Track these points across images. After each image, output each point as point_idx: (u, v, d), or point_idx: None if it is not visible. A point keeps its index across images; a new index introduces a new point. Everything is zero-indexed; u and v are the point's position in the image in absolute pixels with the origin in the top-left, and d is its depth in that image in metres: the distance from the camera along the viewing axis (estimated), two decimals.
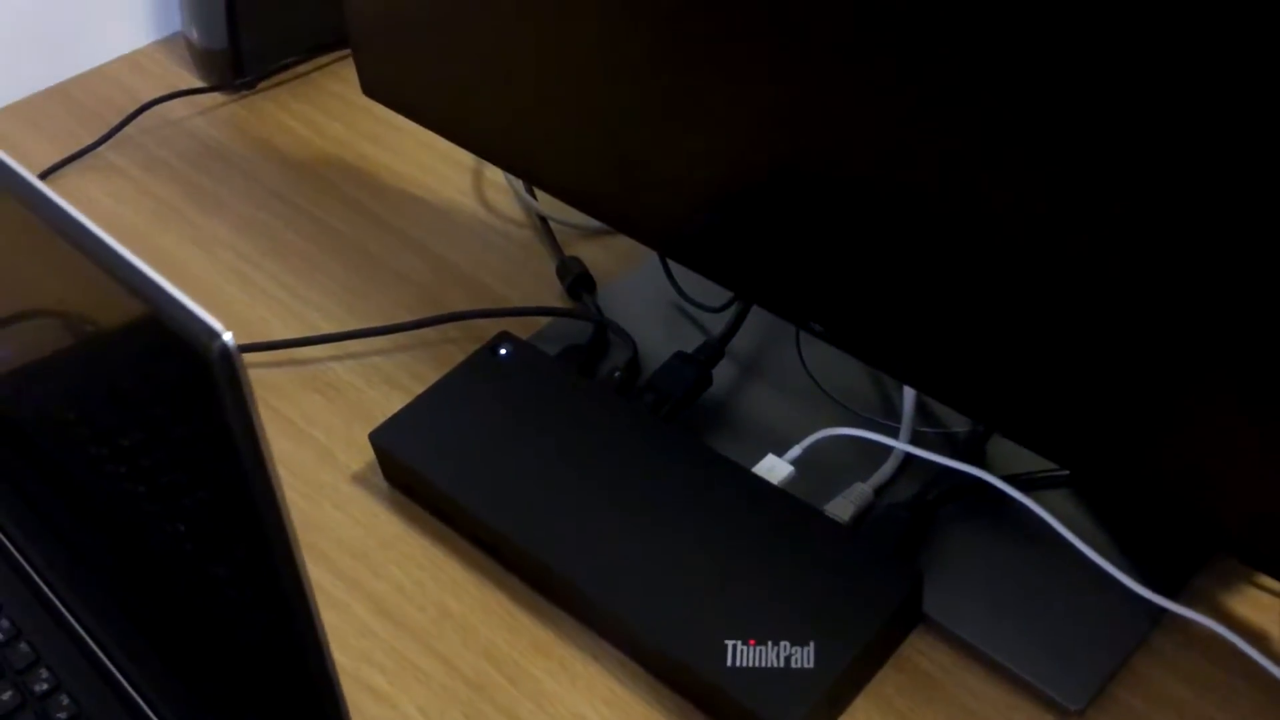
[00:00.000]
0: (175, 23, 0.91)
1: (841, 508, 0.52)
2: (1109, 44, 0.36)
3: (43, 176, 0.77)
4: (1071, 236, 0.40)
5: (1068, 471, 0.51)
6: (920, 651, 0.49)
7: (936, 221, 0.44)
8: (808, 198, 0.48)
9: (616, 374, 0.59)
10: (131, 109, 0.82)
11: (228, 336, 0.27)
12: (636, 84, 0.53)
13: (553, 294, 0.66)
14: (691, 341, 0.60)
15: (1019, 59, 0.39)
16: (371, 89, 0.69)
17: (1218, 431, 0.41)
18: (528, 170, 0.66)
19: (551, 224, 0.70)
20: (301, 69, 0.86)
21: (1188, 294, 0.39)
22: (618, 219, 0.61)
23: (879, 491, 0.53)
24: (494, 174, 0.76)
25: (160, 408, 0.33)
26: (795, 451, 0.54)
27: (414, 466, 0.55)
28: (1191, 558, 0.50)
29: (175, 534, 0.40)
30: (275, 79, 0.85)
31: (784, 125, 0.47)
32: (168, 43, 0.91)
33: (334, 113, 0.82)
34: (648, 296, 0.64)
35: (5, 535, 0.52)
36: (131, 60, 0.89)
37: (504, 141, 0.63)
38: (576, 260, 0.67)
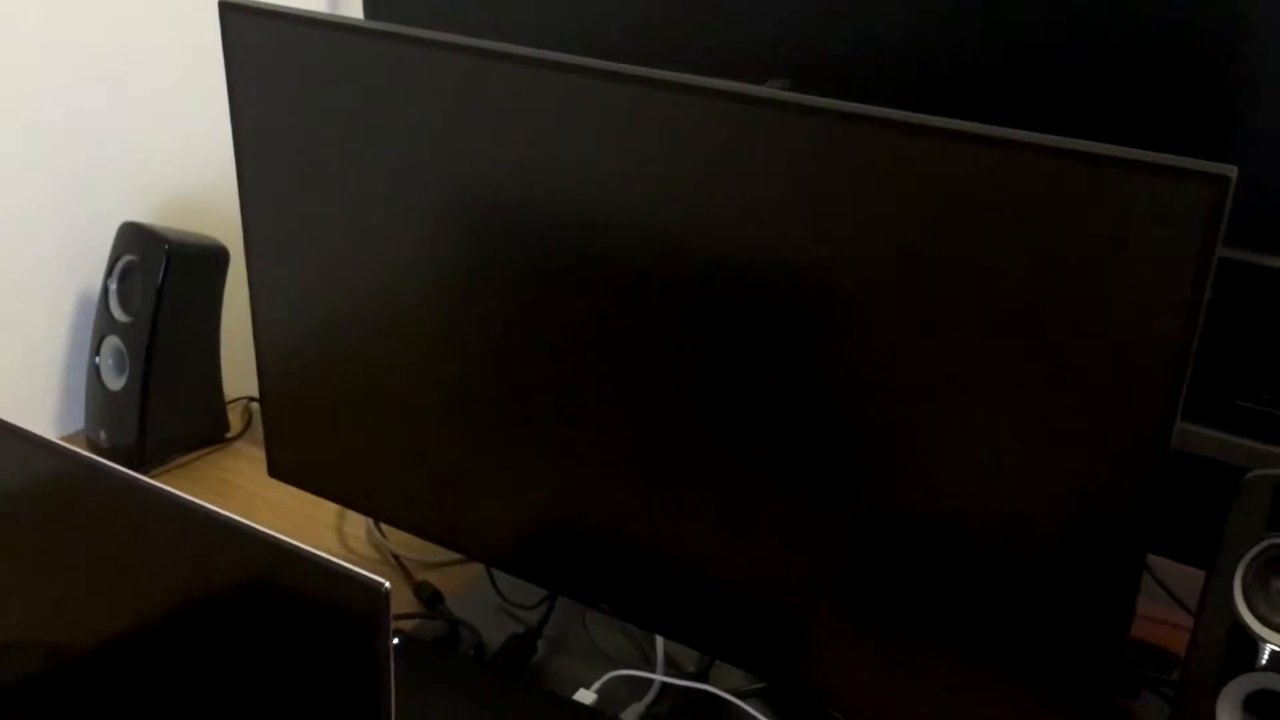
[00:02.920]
0: (75, 424, 1.18)
1: (634, 713, 0.84)
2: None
3: None
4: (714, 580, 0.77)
5: (764, 683, 0.87)
6: None
7: (669, 562, 0.80)
8: (584, 538, 0.84)
9: (471, 652, 0.90)
10: None
11: (387, 585, 0.58)
12: (459, 464, 0.87)
13: (413, 606, 0.97)
14: (517, 625, 0.92)
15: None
16: (275, 471, 1.00)
17: (837, 670, 0.77)
18: (389, 517, 0.97)
19: (402, 559, 1.02)
20: (185, 459, 1.15)
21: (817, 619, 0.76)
22: (455, 545, 0.93)
23: (649, 706, 0.86)
24: (351, 526, 1.07)
25: (317, 640, 0.62)
26: (596, 686, 0.86)
27: None
28: (834, 717, 0.85)
29: None
30: (165, 466, 1.14)
31: (560, 496, 0.83)
32: (69, 440, 1.17)
33: (216, 490, 1.11)
34: (482, 601, 0.96)
35: None
36: None
37: (373, 499, 0.95)
38: (428, 583, 0.98)
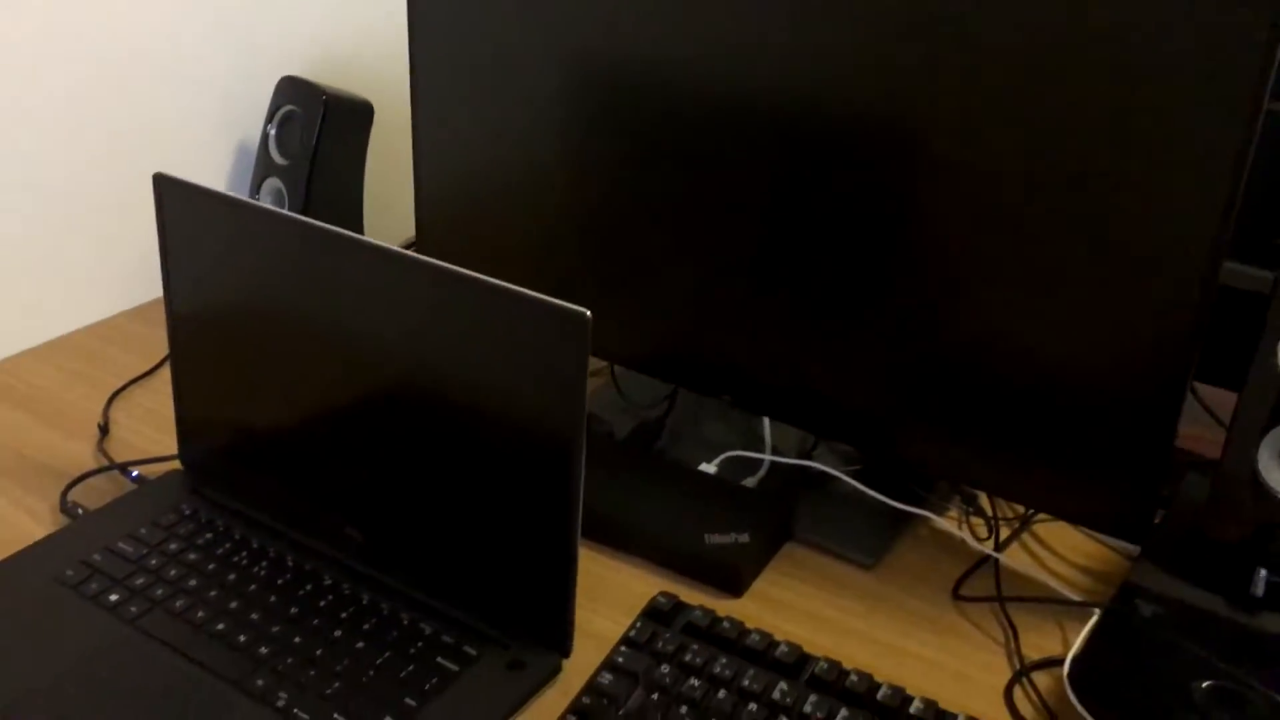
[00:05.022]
0: None
1: (748, 484, 0.99)
2: None
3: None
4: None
5: (858, 465, 1.01)
6: (792, 547, 0.95)
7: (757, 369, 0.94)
8: (706, 339, 0.97)
9: (608, 435, 1.05)
10: None
11: (589, 313, 0.72)
12: (596, 278, 1.01)
13: None
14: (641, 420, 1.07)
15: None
16: None
17: (918, 443, 0.91)
18: None
19: None
20: None
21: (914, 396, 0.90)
22: (594, 350, 1.07)
23: (761, 480, 1.01)
24: None
25: (529, 362, 0.76)
26: (717, 460, 1.01)
27: None
28: (918, 491, 0.99)
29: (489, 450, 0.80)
30: None
31: (687, 304, 0.97)
32: None
33: None
34: (608, 403, 1.11)
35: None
36: None
37: None
38: None
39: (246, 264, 0.87)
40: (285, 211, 0.85)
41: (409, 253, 0.80)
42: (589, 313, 0.73)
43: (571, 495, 0.77)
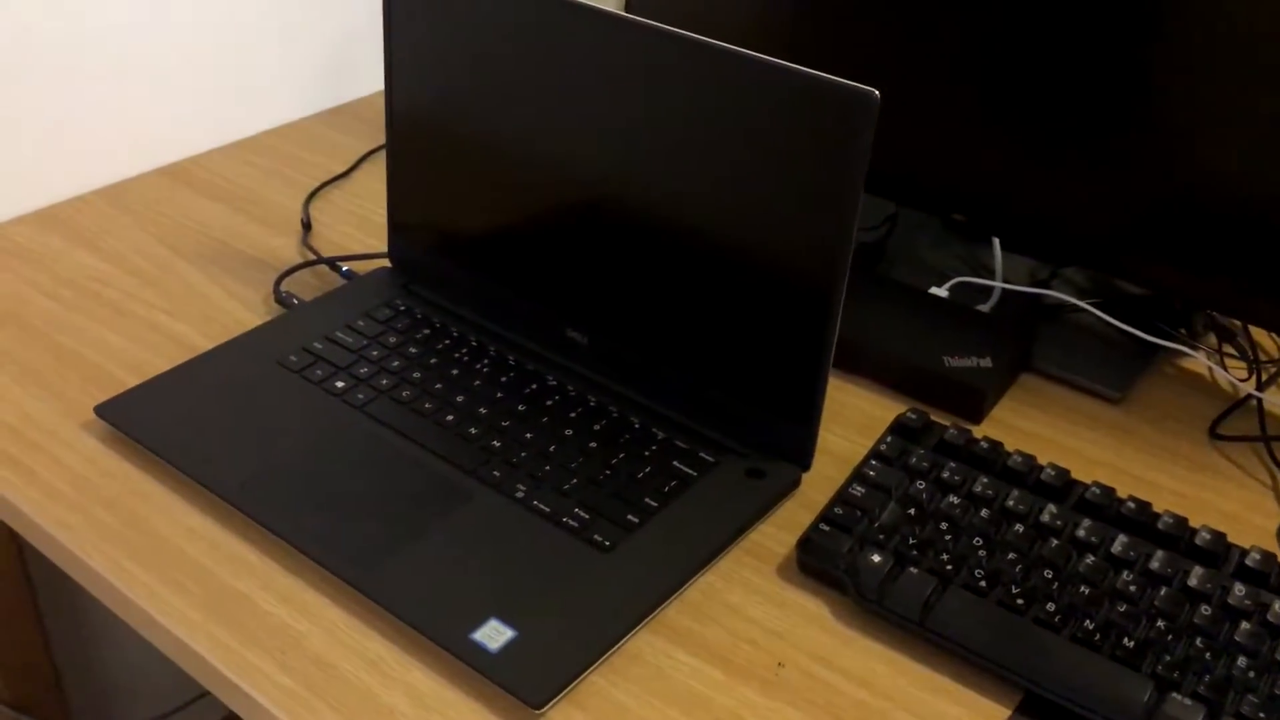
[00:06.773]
0: None
1: (985, 308, 0.93)
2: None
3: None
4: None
5: (1098, 300, 0.94)
6: (1027, 377, 0.90)
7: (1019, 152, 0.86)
8: (936, 155, 0.90)
9: None
10: None
11: (876, 92, 0.66)
12: None
13: None
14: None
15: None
16: None
17: (1162, 276, 0.84)
18: None
19: None
20: None
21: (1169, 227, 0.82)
22: None
23: (992, 309, 0.95)
24: None
25: (794, 151, 0.70)
26: (947, 285, 0.95)
27: None
28: (1163, 327, 0.92)
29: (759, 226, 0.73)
30: None
31: (917, 117, 0.90)
32: None
33: None
34: None
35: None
36: None
37: None
38: None
39: (474, 46, 0.82)
40: None
41: (664, 26, 0.74)
42: (877, 93, 0.67)
43: (832, 300, 0.72)
